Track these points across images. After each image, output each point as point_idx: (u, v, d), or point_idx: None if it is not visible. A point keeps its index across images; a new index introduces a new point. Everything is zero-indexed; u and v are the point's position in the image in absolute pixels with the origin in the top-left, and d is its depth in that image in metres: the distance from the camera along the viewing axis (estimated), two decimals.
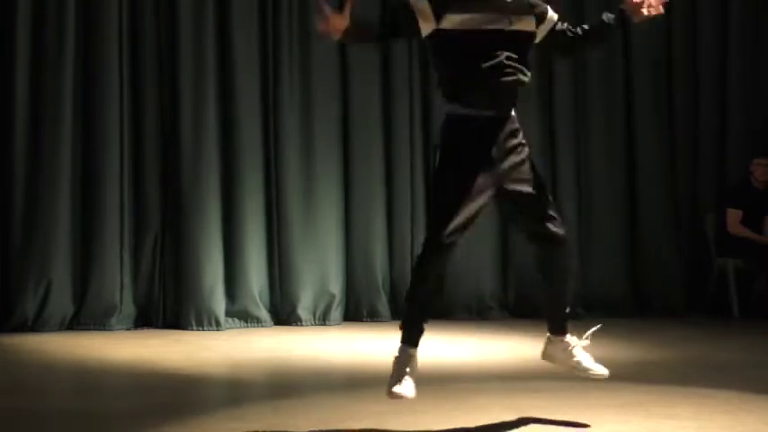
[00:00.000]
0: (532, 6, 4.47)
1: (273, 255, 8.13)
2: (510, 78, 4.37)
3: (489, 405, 5.06)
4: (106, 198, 7.80)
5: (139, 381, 5.93)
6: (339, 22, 4.21)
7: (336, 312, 8.21)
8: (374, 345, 7.04)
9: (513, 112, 4.48)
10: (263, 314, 8.01)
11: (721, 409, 5.04)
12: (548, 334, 4.71)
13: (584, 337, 4.71)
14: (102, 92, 7.84)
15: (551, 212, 4.52)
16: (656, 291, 8.97)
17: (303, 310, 8.06)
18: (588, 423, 4.64)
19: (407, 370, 4.38)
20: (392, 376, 4.37)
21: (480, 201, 4.33)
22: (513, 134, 4.46)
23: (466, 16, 4.31)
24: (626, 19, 4.50)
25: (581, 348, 4.68)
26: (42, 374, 6.21)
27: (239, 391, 5.92)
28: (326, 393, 5.55)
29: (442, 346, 7.03)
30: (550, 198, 4.61)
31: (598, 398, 5.30)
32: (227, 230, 8.01)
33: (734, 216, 8.71)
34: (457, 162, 4.37)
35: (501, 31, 4.36)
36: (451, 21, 4.31)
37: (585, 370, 4.65)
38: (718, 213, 8.87)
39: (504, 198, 4.47)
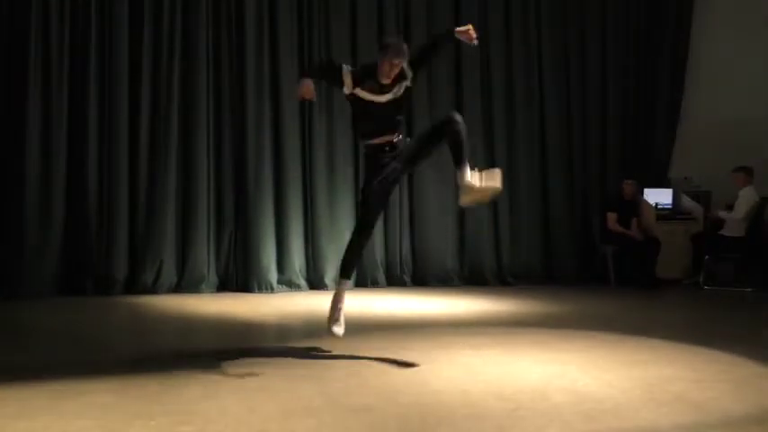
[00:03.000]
0: (405, 73, 4.61)
1: (308, 242, 8.07)
2: (390, 129, 4.60)
3: (454, 342, 5.11)
4: (198, 205, 7.73)
5: (220, 326, 5.94)
6: (310, 90, 4.50)
7: (350, 281, 8.20)
8: (374, 302, 7.10)
9: (395, 135, 4.63)
10: (302, 282, 7.95)
11: (602, 343, 5.10)
12: (456, 169, 4.42)
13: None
14: (195, 140, 7.79)
15: (438, 121, 4.61)
16: (558, 266, 8.92)
17: (328, 280, 8.01)
18: (512, 354, 4.69)
19: (340, 307, 4.63)
20: (330, 314, 4.62)
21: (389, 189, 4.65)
22: (395, 147, 4.63)
23: (368, 93, 4.56)
24: (454, 36, 4.61)
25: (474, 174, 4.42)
26: (157, 321, 6.21)
27: (285, 331, 5.94)
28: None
29: (421, 304, 7.08)
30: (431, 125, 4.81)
31: (522, 336, 5.36)
32: (278, 227, 7.91)
33: (611, 218, 8.74)
34: (372, 173, 4.62)
35: (390, 100, 4.57)
36: (360, 91, 4.57)
37: (484, 179, 4.42)
38: (601, 215, 8.91)
39: (410, 164, 4.74)
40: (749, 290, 8.14)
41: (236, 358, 4.54)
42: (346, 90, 4.57)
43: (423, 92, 8.57)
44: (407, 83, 4.59)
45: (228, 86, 8.00)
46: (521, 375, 4.18)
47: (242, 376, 4.10)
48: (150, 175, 7.69)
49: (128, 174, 7.65)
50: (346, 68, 4.61)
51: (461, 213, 8.63)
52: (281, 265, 7.93)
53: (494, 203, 8.78)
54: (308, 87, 4.49)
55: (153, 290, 7.50)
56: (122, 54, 7.65)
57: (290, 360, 4.54)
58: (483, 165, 8.59)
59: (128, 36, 7.66)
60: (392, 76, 4.51)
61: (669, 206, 9.15)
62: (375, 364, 4.41)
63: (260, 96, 7.99)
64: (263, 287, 7.76)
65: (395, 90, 4.57)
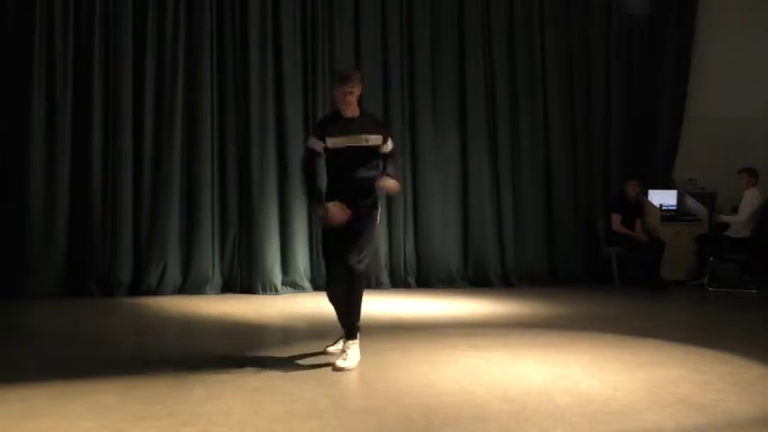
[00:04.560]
0: (380, 126, 4.70)
1: (313, 244, 7.93)
2: (360, 186, 4.57)
3: (458, 343, 5.11)
4: (202, 208, 7.68)
5: (224, 327, 5.91)
6: (341, 212, 4.46)
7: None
8: (377, 304, 7.07)
9: (369, 197, 4.61)
10: (306, 284, 7.87)
11: (607, 345, 5.09)
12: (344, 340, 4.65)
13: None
14: (200, 142, 7.75)
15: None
16: (563, 267, 8.84)
17: None
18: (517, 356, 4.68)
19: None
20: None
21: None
22: (364, 208, 4.59)
23: (338, 138, 4.55)
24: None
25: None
26: (161, 323, 6.20)
27: (289, 333, 5.91)
28: None
29: (425, 305, 7.07)
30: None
31: (526, 338, 5.36)
32: (282, 228, 7.83)
33: (616, 219, 8.70)
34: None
35: (360, 147, 4.57)
36: (331, 141, 4.55)
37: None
38: (606, 217, 8.87)
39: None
40: (754, 291, 8.12)
41: (241, 359, 4.54)
42: (320, 149, 4.60)
43: (425, 92, 8.54)
44: (375, 141, 4.59)
45: (232, 87, 7.98)
46: (525, 377, 4.17)
47: (246, 377, 4.10)
48: (154, 177, 7.69)
49: (132, 175, 7.63)
50: (312, 139, 4.66)
51: (465, 215, 8.60)
52: (286, 267, 7.88)
53: (498, 205, 8.76)
54: (336, 212, 4.45)
55: (157, 291, 7.49)
56: (126, 55, 7.64)
57: (294, 361, 4.55)
58: (485, 166, 8.74)
59: (131, 35, 7.66)
60: (350, 103, 4.54)
61: (674, 207, 9.12)
62: (379, 365, 4.41)
63: (264, 97, 7.96)
64: (267, 289, 7.71)
65: (369, 132, 4.57)
